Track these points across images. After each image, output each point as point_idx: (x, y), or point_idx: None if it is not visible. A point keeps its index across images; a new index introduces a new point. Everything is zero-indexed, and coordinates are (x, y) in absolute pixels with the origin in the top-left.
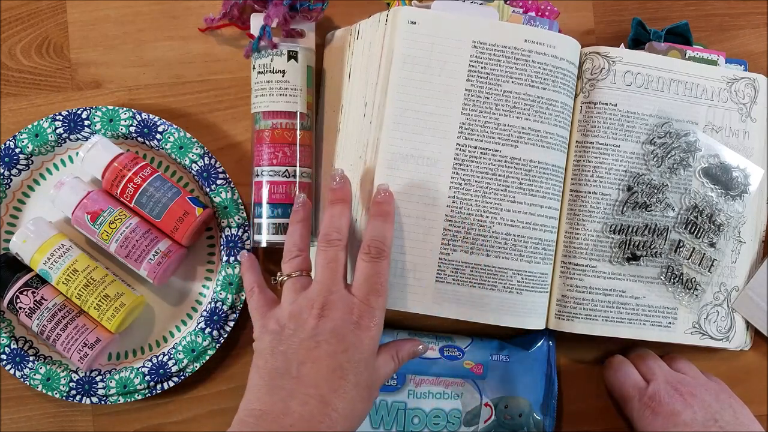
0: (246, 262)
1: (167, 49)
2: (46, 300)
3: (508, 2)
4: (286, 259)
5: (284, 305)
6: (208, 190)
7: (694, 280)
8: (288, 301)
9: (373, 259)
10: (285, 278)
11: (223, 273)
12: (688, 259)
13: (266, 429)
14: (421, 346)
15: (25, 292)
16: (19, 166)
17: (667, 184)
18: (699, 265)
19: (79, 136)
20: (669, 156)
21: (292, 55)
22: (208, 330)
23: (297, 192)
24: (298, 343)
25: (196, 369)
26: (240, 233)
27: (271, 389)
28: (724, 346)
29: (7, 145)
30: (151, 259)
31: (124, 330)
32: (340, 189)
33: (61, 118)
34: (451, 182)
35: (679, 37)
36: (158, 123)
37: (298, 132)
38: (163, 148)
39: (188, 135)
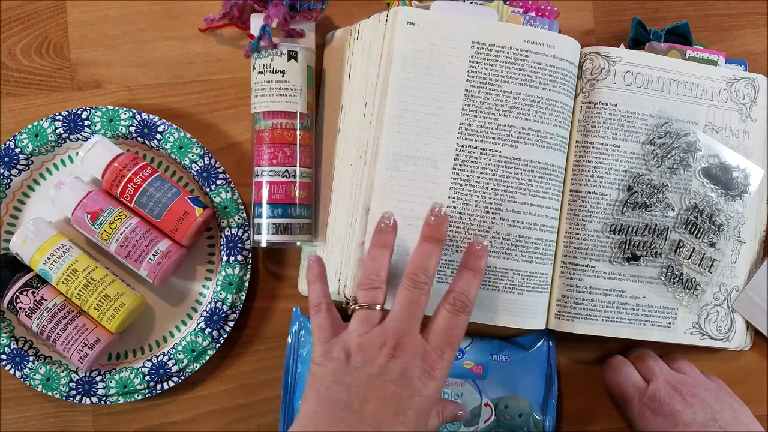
0: (315, 269)
1: (167, 49)
2: (46, 300)
3: (507, 2)
4: (365, 287)
5: (352, 334)
6: (208, 190)
7: (694, 280)
8: (358, 332)
9: (457, 311)
10: (358, 307)
11: (223, 273)
12: (688, 259)
13: None
14: (462, 412)
15: (25, 292)
16: (19, 166)
17: (667, 184)
18: (699, 265)
19: (79, 136)
20: (669, 156)
21: (292, 55)
22: (208, 330)
23: (387, 211)
24: (365, 378)
25: (196, 369)
26: (240, 233)
27: (329, 419)
28: (724, 346)
29: (7, 145)
30: (151, 259)
31: (124, 330)
32: (436, 227)
33: (61, 118)
34: (451, 183)
35: (679, 37)
36: (158, 123)
37: (298, 132)
38: (163, 148)
39: (188, 135)
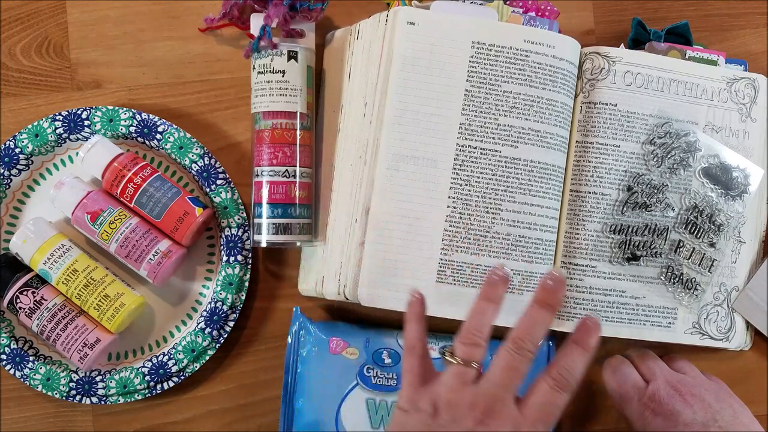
0: (417, 308)
1: (167, 49)
2: (46, 300)
3: (507, 2)
4: (465, 341)
5: (443, 387)
6: (208, 190)
7: (694, 280)
8: (449, 387)
9: (559, 388)
10: (454, 362)
11: (223, 273)
12: (688, 259)
13: None
14: None
15: (25, 292)
16: (19, 166)
17: (667, 184)
18: (699, 265)
19: (79, 136)
20: (669, 156)
21: (292, 55)
22: (208, 330)
23: (500, 266)
24: None
25: (196, 369)
26: (240, 233)
27: None
28: (724, 346)
29: (7, 145)
30: (151, 259)
31: (124, 330)
32: (552, 293)
33: (61, 118)
34: (452, 183)
35: (679, 37)
36: (158, 123)
37: (298, 132)
38: (163, 148)
39: (188, 135)
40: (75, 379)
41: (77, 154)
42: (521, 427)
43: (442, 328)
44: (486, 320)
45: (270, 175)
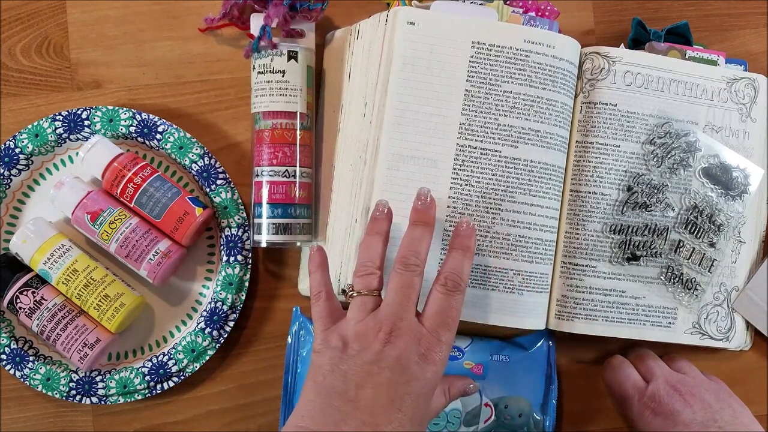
0: (317, 258)
1: (167, 49)
2: (46, 300)
3: (507, 2)
4: (360, 274)
5: (350, 322)
6: (208, 190)
7: (694, 280)
8: (355, 319)
9: (449, 292)
10: (355, 294)
11: (223, 273)
12: (688, 259)
13: None
14: (472, 385)
15: (25, 292)
16: (19, 166)
17: (667, 184)
18: (699, 265)
19: (79, 136)
20: (669, 156)
21: (292, 55)
22: (208, 330)
23: (380, 199)
24: (360, 366)
25: (196, 369)
26: (240, 233)
27: (325, 409)
28: (724, 346)
29: (7, 145)
30: (151, 259)
31: (124, 330)
32: (424, 211)
33: (61, 118)
34: (452, 183)
35: (679, 37)
36: (158, 123)
37: (298, 132)
38: (163, 148)
39: (188, 135)
40: (75, 379)
41: (77, 154)
42: (425, 336)
43: None
44: (374, 252)
45: (270, 175)
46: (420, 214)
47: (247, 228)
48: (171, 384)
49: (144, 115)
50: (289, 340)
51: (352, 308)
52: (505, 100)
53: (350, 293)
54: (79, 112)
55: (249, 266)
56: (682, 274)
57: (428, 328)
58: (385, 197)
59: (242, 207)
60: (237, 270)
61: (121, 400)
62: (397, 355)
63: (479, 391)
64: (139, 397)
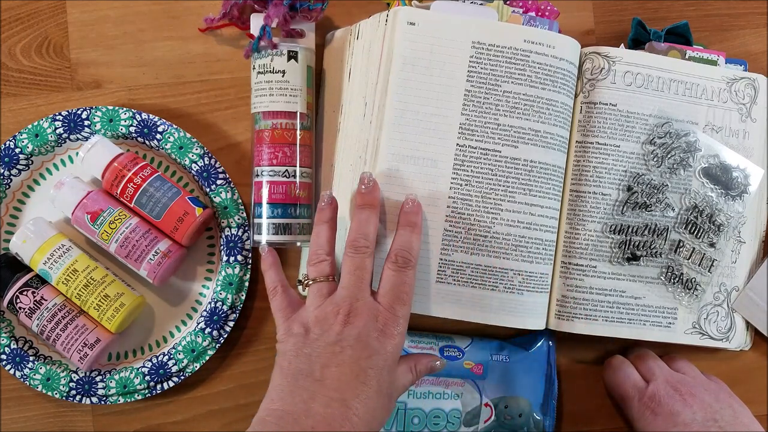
0: (268, 259)
1: (167, 49)
2: (46, 300)
3: (507, 2)
4: (312, 263)
5: (309, 309)
6: (208, 190)
7: (694, 280)
8: (313, 306)
9: (400, 268)
10: (311, 282)
11: (223, 273)
12: (688, 259)
13: (287, 429)
14: (438, 362)
15: (25, 292)
16: (19, 166)
17: (667, 184)
18: (699, 265)
19: (79, 136)
20: (669, 156)
21: (292, 55)
22: (208, 330)
23: (324, 190)
24: (323, 347)
25: (196, 369)
26: (240, 233)
27: (293, 390)
28: (724, 346)
29: (7, 145)
30: (151, 259)
31: (124, 330)
32: (368, 194)
33: (61, 118)
34: (452, 183)
35: (679, 37)
36: (158, 123)
37: (298, 132)
38: (163, 148)
39: (188, 135)
40: (75, 379)
41: (77, 154)
42: (382, 313)
43: (443, 328)
44: (323, 239)
45: (270, 175)
46: (365, 197)
47: (247, 228)
48: (171, 384)
49: (144, 115)
50: None
51: (309, 296)
52: (505, 100)
53: (306, 282)
54: (79, 112)
55: (249, 266)
56: (682, 274)
57: (384, 305)
58: (385, 197)
59: (242, 207)
60: (237, 270)
61: (121, 400)
62: (357, 334)
63: (479, 391)
64: (139, 397)
